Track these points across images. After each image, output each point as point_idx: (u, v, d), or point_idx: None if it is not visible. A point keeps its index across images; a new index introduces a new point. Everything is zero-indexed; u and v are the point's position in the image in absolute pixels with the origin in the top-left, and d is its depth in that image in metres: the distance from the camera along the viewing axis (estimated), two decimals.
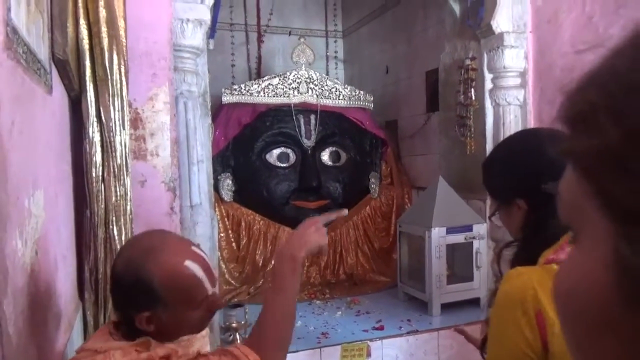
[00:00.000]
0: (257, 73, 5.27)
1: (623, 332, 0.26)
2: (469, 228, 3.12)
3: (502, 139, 3.06)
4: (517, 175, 1.05)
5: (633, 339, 0.26)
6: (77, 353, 0.96)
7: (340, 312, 3.22)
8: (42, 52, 1.32)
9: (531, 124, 3.08)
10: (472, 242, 3.14)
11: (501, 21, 3.00)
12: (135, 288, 0.94)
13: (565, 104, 0.31)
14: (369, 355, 2.63)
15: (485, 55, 3.13)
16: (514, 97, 3.06)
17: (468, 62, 3.23)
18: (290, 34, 5.31)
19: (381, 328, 2.90)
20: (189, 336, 1.10)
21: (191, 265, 0.97)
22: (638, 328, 0.26)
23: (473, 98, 3.20)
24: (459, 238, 3.11)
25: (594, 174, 0.28)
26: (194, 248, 1.02)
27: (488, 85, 3.15)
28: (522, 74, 3.07)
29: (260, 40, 5.35)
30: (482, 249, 3.15)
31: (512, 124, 3.07)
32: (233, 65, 5.22)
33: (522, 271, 0.92)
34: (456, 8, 3.37)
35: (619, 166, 0.26)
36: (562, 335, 0.68)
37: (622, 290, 0.26)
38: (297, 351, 2.59)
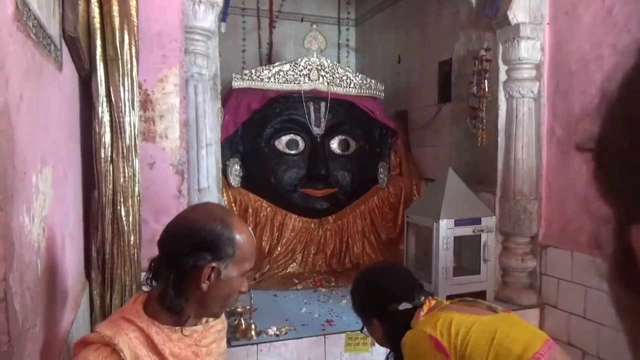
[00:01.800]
0: (268, 59, 5.23)
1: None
2: (477, 221, 3.10)
3: (514, 131, 3.03)
4: (368, 302, 1.53)
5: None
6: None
7: (345, 301, 3.22)
8: (53, 27, 1.31)
9: (545, 117, 3.03)
10: (480, 234, 3.11)
11: (518, 12, 2.94)
12: (216, 233, 1.03)
13: None
14: (373, 344, 2.63)
15: (500, 47, 3.08)
16: (528, 89, 3.01)
17: (483, 52, 3.18)
18: (302, 20, 5.26)
19: None
20: (209, 324, 1.12)
21: (251, 233, 1.13)
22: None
23: (486, 89, 3.15)
24: (467, 230, 3.09)
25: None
26: None
27: (502, 77, 3.10)
28: (538, 67, 3.02)
29: (272, 26, 5.30)
30: (490, 242, 3.12)
31: (526, 117, 3.03)
32: (244, 51, 5.18)
33: (411, 331, 1.41)
34: (471, 1, 3.31)
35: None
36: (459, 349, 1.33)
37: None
38: (301, 337, 2.60)
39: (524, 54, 2.97)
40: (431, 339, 1.34)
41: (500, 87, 3.10)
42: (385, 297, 1.49)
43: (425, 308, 1.45)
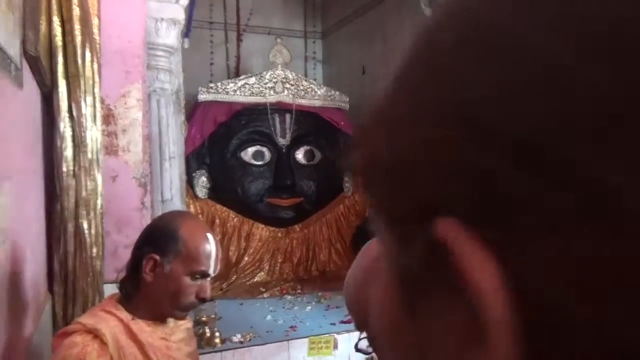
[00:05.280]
0: (236, 72, 5.30)
1: (407, 338, 0.24)
2: None
3: None
4: None
5: (416, 345, 0.24)
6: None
7: (310, 307, 3.30)
8: (13, 48, 1.37)
9: None
10: None
11: None
12: (161, 229, 1.11)
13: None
14: (335, 347, 2.71)
15: None
16: None
17: None
18: (269, 33, 5.37)
19: (349, 322, 2.98)
20: (173, 323, 1.17)
21: (211, 238, 1.14)
22: (418, 334, 0.24)
23: None
24: None
25: (365, 183, 0.25)
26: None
27: None
28: None
29: (239, 39, 5.39)
30: None
31: None
32: (212, 64, 5.25)
33: None
34: (427, 13, 3.47)
35: (381, 169, 0.23)
36: None
37: (401, 294, 0.24)
38: (265, 344, 2.66)
39: None
40: None
41: None
42: None
43: None
